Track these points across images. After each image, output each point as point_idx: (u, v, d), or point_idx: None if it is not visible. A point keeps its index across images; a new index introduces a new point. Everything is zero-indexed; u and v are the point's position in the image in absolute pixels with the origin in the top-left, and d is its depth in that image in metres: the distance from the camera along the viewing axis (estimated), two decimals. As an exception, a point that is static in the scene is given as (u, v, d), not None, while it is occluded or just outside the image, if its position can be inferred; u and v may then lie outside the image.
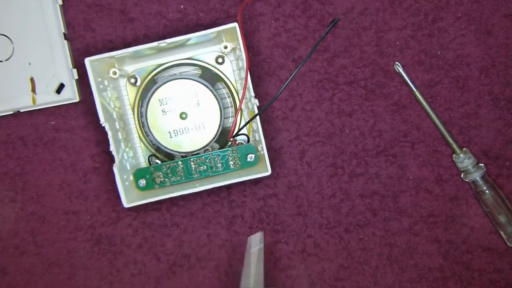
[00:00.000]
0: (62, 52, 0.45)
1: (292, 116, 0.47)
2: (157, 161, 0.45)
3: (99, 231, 0.48)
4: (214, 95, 0.44)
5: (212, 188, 0.44)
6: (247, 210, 0.48)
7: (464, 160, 0.45)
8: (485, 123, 0.46)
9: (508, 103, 0.45)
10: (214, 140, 0.45)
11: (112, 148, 0.42)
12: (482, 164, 0.46)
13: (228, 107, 0.46)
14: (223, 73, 0.45)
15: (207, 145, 0.45)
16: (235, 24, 0.41)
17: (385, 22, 0.45)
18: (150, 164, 0.45)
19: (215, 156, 0.45)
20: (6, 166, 0.49)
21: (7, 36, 0.45)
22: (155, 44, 0.41)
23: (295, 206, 0.48)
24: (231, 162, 0.45)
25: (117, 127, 0.44)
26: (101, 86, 0.43)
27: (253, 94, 0.42)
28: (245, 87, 0.42)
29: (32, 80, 0.45)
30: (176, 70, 0.45)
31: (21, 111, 0.46)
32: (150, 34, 0.46)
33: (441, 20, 0.45)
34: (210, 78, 0.45)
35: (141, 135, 0.46)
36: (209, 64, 0.45)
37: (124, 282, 0.50)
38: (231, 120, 0.46)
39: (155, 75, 0.45)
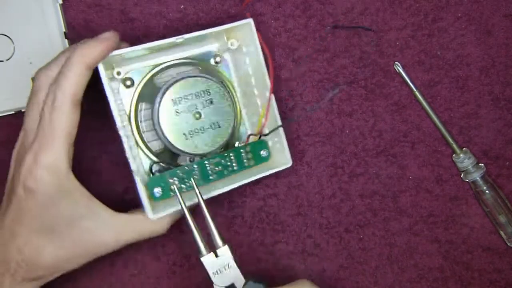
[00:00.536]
0: (62, 51, 0.45)
1: (292, 116, 0.47)
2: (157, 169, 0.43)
3: (99, 231, 0.48)
4: (227, 92, 0.43)
5: (212, 188, 0.44)
6: (247, 210, 0.48)
7: (464, 160, 0.45)
8: (485, 123, 0.46)
9: (508, 103, 0.45)
10: (228, 139, 0.44)
11: (128, 154, 0.38)
12: (482, 164, 0.46)
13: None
14: (220, 72, 0.45)
15: (222, 144, 0.43)
16: (250, 21, 0.41)
17: (385, 22, 0.45)
18: (152, 173, 0.42)
19: (230, 155, 0.43)
20: (6, 166, 0.49)
21: (7, 36, 0.45)
22: (172, 39, 0.40)
23: (295, 206, 0.48)
24: (244, 160, 0.44)
25: (128, 132, 0.41)
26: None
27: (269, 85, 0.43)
28: (271, 90, 0.42)
29: (33, 79, 0.45)
30: (174, 71, 0.44)
31: (22, 110, 0.46)
32: (150, 34, 0.46)
33: (441, 20, 0.45)
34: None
35: (140, 141, 0.42)
36: (208, 63, 0.44)
37: (124, 282, 0.50)
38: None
39: (153, 76, 0.43)
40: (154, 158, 0.43)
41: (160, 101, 0.41)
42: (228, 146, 0.45)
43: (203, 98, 0.42)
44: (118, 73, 0.41)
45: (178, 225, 0.48)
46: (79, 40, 0.46)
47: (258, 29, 0.46)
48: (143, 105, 0.42)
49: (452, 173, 0.47)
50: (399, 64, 0.45)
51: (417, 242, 0.47)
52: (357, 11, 0.45)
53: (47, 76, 0.36)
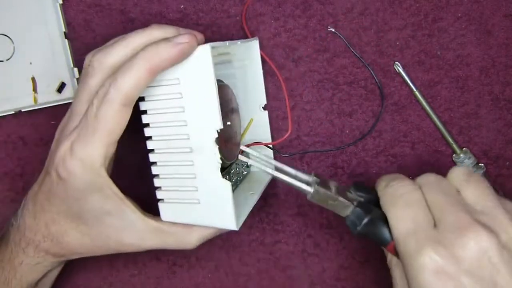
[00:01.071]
0: (62, 51, 0.45)
1: (292, 116, 0.47)
2: None
3: (99, 231, 0.48)
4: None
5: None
6: (247, 210, 0.48)
7: (464, 160, 0.45)
8: (485, 123, 0.46)
9: (508, 103, 0.45)
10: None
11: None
12: (482, 164, 0.46)
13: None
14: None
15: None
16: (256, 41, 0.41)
17: (385, 22, 0.45)
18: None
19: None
20: (6, 166, 0.49)
21: (7, 36, 0.45)
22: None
23: (295, 206, 0.48)
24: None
25: None
26: None
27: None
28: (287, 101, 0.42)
29: (33, 79, 0.45)
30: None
31: (22, 110, 0.46)
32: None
33: (441, 20, 0.45)
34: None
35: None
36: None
37: (124, 282, 0.50)
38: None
39: None
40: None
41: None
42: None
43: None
44: None
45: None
46: (79, 40, 0.46)
47: (258, 29, 0.46)
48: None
49: (452, 173, 0.47)
50: (399, 64, 0.45)
51: (417, 242, 0.47)
52: (357, 11, 0.45)
53: (100, 63, 0.35)
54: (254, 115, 0.45)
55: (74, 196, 0.36)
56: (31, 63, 0.45)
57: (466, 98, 0.46)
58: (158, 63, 0.32)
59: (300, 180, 0.35)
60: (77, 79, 0.46)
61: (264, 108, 0.45)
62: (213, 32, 0.46)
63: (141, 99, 0.36)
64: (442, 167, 0.47)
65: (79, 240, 0.38)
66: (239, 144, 0.43)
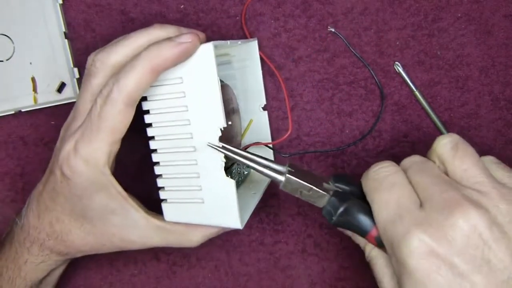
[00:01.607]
0: (63, 51, 0.45)
1: (292, 116, 0.47)
2: None
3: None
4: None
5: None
6: (247, 210, 0.48)
7: (464, 160, 0.45)
8: (485, 123, 0.46)
9: (508, 103, 0.45)
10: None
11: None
12: (482, 164, 0.46)
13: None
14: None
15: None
16: (255, 41, 0.41)
17: (385, 22, 0.45)
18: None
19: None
20: (6, 166, 0.49)
21: (7, 36, 0.45)
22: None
23: (295, 206, 0.48)
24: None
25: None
26: None
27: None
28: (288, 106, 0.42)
29: (33, 79, 0.45)
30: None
31: (22, 110, 0.46)
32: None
33: (441, 20, 0.45)
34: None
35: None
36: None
37: (124, 282, 0.50)
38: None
39: None
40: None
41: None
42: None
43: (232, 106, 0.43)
44: None
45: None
46: (79, 40, 0.46)
47: (258, 29, 0.46)
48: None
49: (452, 173, 0.47)
50: (399, 64, 0.45)
51: (417, 242, 0.47)
52: (357, 11, 0.45)
53: (102, 63, 0.35)
54: (254, 116, 0.45)
55: (78, 194, 0.36)
56: (31, 63, 0.45)
57: (466, 98, 0.46)
58: (161, 62, 0.32)
59: (273, 170, 0.35)
60: (77, 79, 0.46)
61: (264, 108, 0.45)
62: (213, 32, 0.46)
63: (144, 98, 0.36)
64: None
65: (83, 239, 0.39)
66: (240, 144, 0.43)
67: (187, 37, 0.33)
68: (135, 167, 0.47)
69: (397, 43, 0.45)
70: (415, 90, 0.45)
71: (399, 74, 0.46)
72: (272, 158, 0.46)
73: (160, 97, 0.35)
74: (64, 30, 0.45)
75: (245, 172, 0.46)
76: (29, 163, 0.48)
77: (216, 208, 0.36)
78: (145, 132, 0.37)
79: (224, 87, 0.40)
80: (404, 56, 0.45)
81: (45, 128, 0.48)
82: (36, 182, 0.48)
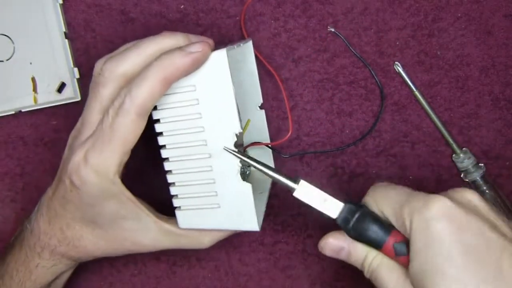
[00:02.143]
0: (63, 51, 0.45)
1: (292, 116, 0.47)
2: None
3: (99, 231, 0.48)
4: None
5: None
6: (247, 210, 0.48)
7: (464, 160, 0.45)
8: (485, 123, 0.46)
9: (508, 103, 0.45)
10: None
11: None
12: (482, 164, 0.46)
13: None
14: None
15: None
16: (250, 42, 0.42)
17: (385, 22, 0.45)
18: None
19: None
20: (6, 166, 0.49)
21: (7, 36, 0.45)
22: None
23: (295, 206, 0.48)
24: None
25: None
26: None
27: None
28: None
29: (33, 79, 0.45)
30: None
31: (22, 110, 0.46)
32: (150, 35, 0.46)
33: (441, 20, 0.45)
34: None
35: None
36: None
37: (124, 282, 0.50)
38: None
39: None
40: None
41: None
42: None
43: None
44: None
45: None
46: (79, 40, 0.46)
47: (258, 29, 0.46)
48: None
49: (452, 173, 0.47)
50: (399, 64, 0.45)
51: (417, 242, 0.47)
52: (357, 11, 0.45)
53: (111, 72, 0.34)
54: (251, 115, 0.45)
55: (89, 203, 0.36)
56: (31, 63, 0.45)
57: (466, 98, 0.46)
58: (173, 72, 0.33)
59: (287, 177, 0.35)
60: (77, 79, 0.46)
61: (261, 107, 0.45)
62: (213, 33, 0.46)
63: (153, 108, 0.36)
64: (442, 167, 0.47)
65: (95, 244, 0.39)
66: (242, 145, 0.43)
67: (198, 47, 0.33)
68: (136, 169, 0.47)
69: (397, 43, 0.45)
70: (415, 90, 0.45)
71: (399, 74, 0.46)
72: (272, 157, 0.46)
73: (172, 106, 0.35)
74: (64, 30, 0.45)
75: (247, 172, 0.46)
76: (29, 163, 0.48)
77: (232, 212, 0.36)
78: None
79: None
80: (404, 56, 0.45)
81: (45, 128, 0.48)
82: (36, 182, 0.49)
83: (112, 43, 0.46)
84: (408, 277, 0.32)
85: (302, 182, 0.34)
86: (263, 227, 0.49)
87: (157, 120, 0.36)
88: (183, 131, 0.35)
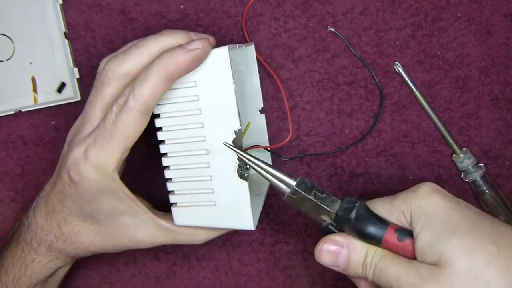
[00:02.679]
0: (62, 51, 0.45)
1: (292, 116, 0.47)
2: None
3: (99, 231, 0.48)
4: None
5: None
6: (247, 210, 0.48)
7: (464, 160, 0.45)
8: (485, 123, 0.46)
9: (508, 103, 0.45)
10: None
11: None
12: (482, 164, 0.46)
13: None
14: None
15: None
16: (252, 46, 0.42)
17: (385, 22, 0.45)
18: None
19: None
20: (6, 166, 0.49)
21: (7, 36, 0.45)
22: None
23: (295, 206, 0.48)
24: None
25: None
26: None
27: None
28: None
29: (33, 79, 0.45)
30: None
31: (22, 110, 0.46)
32: (150, 34, 0.46)
33: (441, 20, 0.45)
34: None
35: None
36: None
37: (124, 282, 0.50)
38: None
39: None
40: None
41: None
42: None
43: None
44: None
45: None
46: (79, 40, 0.46)
47: (258, 29, 0.46)
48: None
49: (452, 173, 0.47)
50: (399, 64, 0.45)
51: (417, 242, 0.47)
52: (357, 11, 0.45)
53: (114, 72, 0.35)
54: (252, 119, 0.45)
55: (87, 198, 0.36)
56: (31, 63, 0.45)
57: (466, 98, 0.46)
58: (175, 70, 0.33)
59: (281, 181, 0.35)
60: (77, 79, 0.46)
61: (261, 111, 0.45)
62: (213, 33, 0.46)
63: None
64: (442, 167, 0.47)
65: (92, 239, 0.39)
66: (241, 147, 0.43)
67: (198, 43, 0.33)
68: (134, 166, 0.47)
69: (397, 43, 0.45)
70: (415, 90, 0.45)
71: (399, 74, 0.46)
72: (270, 161, 0.46)
73: (172, 101, 0.35)
74: (64, 30, 0.45)
75: (245, 175, 0.46)
76: (29, 163, 0.48)
77: (228, 210, 0.36)
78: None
79: None
80: (404, 56, 0.45)
81: (45, 128, 0.48)
82: (36, 182, 0.49)
83: (112, 43, 0.46)
84: (411, 263, 0.32)
85: (293, 188, 0.34)
86: (263, 227, 0.49)
87: (157, 115, 0.36)
88: (182, 127, 0.36)
